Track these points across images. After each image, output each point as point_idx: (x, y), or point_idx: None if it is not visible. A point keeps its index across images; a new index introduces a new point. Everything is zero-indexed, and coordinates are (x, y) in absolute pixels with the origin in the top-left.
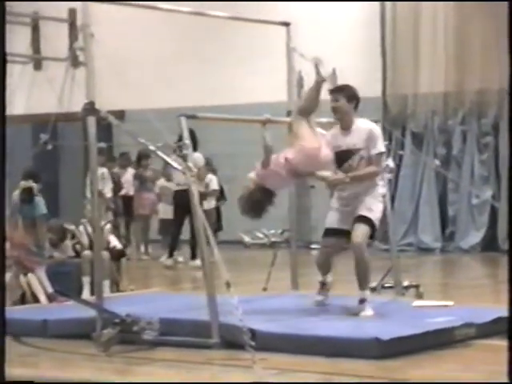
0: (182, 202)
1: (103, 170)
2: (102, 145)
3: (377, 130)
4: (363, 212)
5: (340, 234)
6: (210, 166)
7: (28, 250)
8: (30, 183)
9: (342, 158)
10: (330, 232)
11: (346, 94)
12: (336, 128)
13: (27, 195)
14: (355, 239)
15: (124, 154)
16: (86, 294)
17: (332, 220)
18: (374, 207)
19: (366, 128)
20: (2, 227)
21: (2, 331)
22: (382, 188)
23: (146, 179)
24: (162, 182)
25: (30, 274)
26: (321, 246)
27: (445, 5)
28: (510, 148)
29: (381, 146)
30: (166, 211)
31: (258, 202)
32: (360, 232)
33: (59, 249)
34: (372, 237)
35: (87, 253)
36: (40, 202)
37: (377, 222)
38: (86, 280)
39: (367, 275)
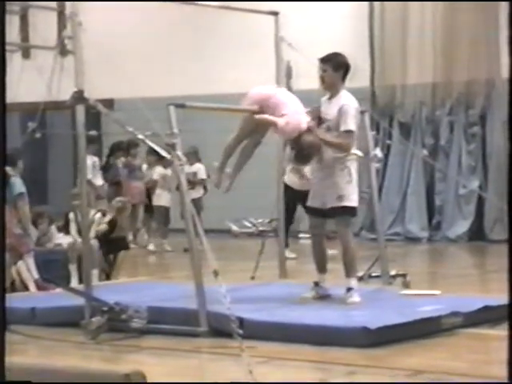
0: (293, 195)
1: (94, 159)
2: (94, 133)
3: (350, 107)
4: (336, 203)
5: (318, 213)
6: (196, 155)
7: (16, 234)
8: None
9: (319, 121)
10: (310, 210)
11: (332, 63)
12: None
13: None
14: (340, 230)
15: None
16: (74, 282)
17: (309, 197)
18: (344, 192)
19: (340, 103)
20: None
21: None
22: (354, 172)
23: (134, 168)
24: (160, 169)
25: (19, 262)
26: (309, 230)
27: None
28: (510, 142)
29: (350, 123)
30: (162, 198)
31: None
32: (342, 223)
33: (46, 236)
34: (354, 215)
35: (73, 241)
36: (16, 183)
37: (353, 203)
38: (73, 268)
39: (354, 264)
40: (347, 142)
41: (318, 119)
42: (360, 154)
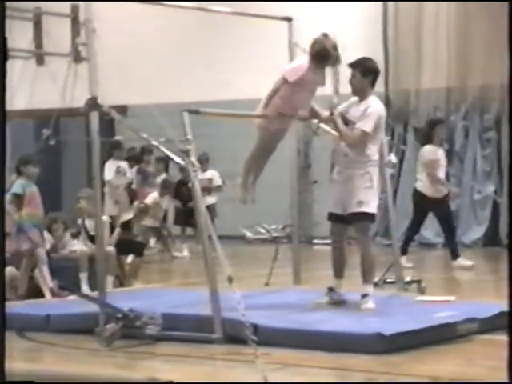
0: (425, 203)
1: (119, 164)
2: (118, 138)
3: (374, 111)
4: (355, 208)
5: (339, 219)
6: (207, 162)
7: (20, 230)
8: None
9: (345, 123)
10: (332, 217)
11: (361, 68)
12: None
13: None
14: (359, 236)
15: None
16: (84, 289)
17: (331, 203)
18: (363, 198)
19: (367, 105)
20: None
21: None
22: (375, 178)
23: (148, 174)
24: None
25: (36, 271)
26: (330, 236)
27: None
28: (510, 143)
29: (368, 125)
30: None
31: None
32: (361, 229)
33: (61, 242)
34: (373, 221)
35: (84, 249)
36: (14, 184)
37: (372, 210)
38: (83, 276)
39: (372, 270)
40: (355, 137)
41: (343, 119)
42: (394, 160)
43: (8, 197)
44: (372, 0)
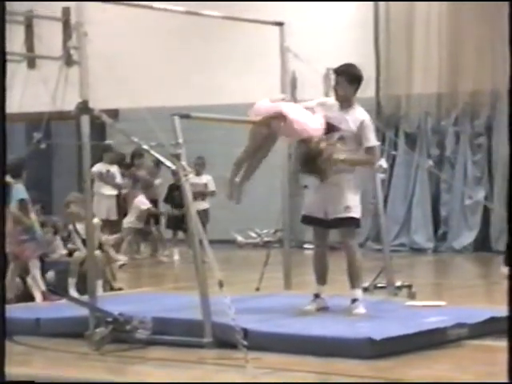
0: None
1: (109, 168)
2: (109, 142)
3: (368, 122)
4: (343, 214)
5: (320, 223)
6: (204, 166)
7: (19, 240)
8: (7, 178)
9: (327, 128)
10: (306, 219)
11: (346, 76)
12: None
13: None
14: (346, 241)
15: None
16: (72, 294)
17: (312, 206)
18: (351, 203)
19: (359, 118)
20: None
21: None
22: (358, 184)
23: (138, 178)
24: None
25: (29, 277)
26: (313, 240)
27: (438, 5)
28: (511, 149)
29: (373, 139)
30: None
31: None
32: (349, 234)
33: (51, 246)
34: (359, 226)
35: (78, 254)
36: (18, 190)
37: (358, 215)
38: (71, 281)
39: (359, 275)
40: (372, 157)
41: (327, 125)
42: (385, 165)
43: (15, 204)
44: (363, 0)
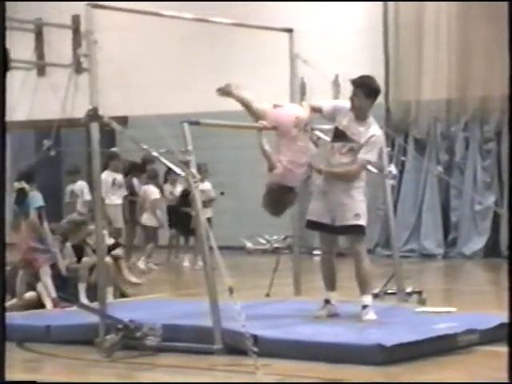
0: None
1: (115, 176)
2: (115, 149)
3: (377, 139)
4: (353, 221)
5: (326, 229)
6: (206, 173)
7: (32, 248)
8: (22, 184)
9: (338, 135)
10: (311, 224)
11: (365, 89)
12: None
13: (20, 196)
14: (354, 247)
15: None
16: (83, 300)
17: (317, 212)
18: (360, 211)
19: (370, 132)
20: (2, 228)
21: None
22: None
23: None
24: (168, 187)
25: (39, 284)
26: (320, 247)
27: (448, 11)
28: (510, 153)
29: (373, 156)
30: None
31: (277, 200)
32: (357, 240)
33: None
34: (365, 233)
35: (86, 259)
36: (35, 197)
37: (365, 222)
38: (81, 287)
39: (368, 281)
40: (356, 169)
41: (335, 134)
42: (395, 171)
43: (33, 212)
44: (372, 0)
